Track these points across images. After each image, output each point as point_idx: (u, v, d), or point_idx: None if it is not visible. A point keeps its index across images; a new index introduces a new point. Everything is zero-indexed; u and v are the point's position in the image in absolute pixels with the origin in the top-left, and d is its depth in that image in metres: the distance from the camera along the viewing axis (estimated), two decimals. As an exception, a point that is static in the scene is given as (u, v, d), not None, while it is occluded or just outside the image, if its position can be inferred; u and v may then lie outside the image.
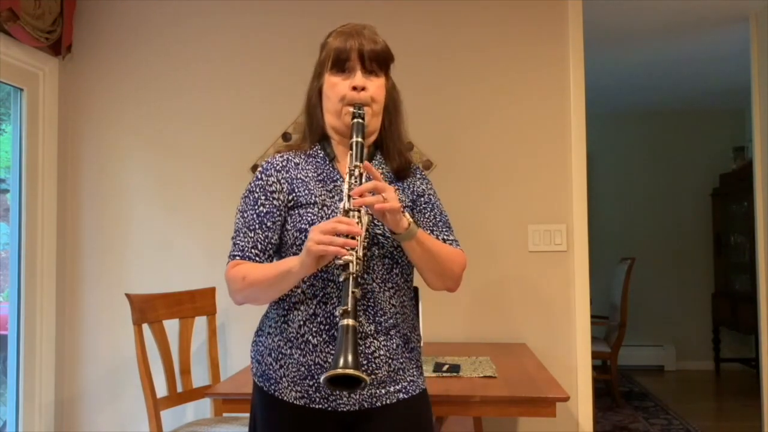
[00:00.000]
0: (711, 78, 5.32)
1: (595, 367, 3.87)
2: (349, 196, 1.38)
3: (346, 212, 1.37)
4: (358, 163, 1.43)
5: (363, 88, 1.51)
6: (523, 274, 3.06)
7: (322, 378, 1.24)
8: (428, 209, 1.61)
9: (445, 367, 2.32)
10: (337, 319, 1.29)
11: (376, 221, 1.46)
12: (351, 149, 1.46)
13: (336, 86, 1.52)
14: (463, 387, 2.09)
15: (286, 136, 3.16)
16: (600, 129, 5.97)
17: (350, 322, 1.28)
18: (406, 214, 1.42)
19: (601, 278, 5.28)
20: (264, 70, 3.19)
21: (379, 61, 1.54)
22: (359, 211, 1.37)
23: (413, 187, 1.61)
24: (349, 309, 1.29)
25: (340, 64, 1.52)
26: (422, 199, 1.61)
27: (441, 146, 3.07)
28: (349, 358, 1.22)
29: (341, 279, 1.33)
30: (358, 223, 1.35)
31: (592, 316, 3.13)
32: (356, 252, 1.32)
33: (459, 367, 2.33)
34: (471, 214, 3.07)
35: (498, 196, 3.09)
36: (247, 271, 1.45)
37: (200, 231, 3.19)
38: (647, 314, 6.38)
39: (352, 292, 1.30)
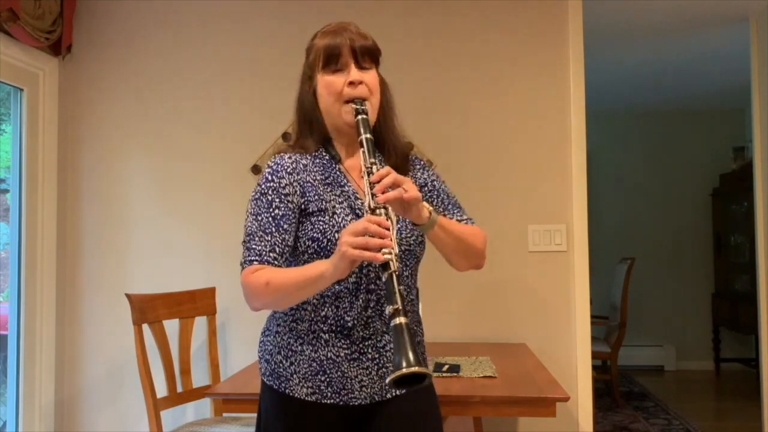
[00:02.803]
0: (711, 78, 5.31)
1: (595, 367, 3.88)
2: (372, 195, 1.35)
3: (372, 210, 1.34)
4: (373, 160, 1.41)
5: (360, 82, 1.48)
6: (523, 274, 3.06)
7: (387, 380, 1.20)
8: (435, 196, 1.61)
9: (445, 367, 2.32)
10: (388, 319, 1.27)
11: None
12: (361, 146, 1.44)
13: (332, 84, 1.49)
14: (463, 387, 2.09)
15: (286, 136, 3.16)
16: (600, 129, 5.97)
17: (402, 320, 1.25)
18: (425, 203, 1.42)
19: (601, 278, 5.28)
20: (264, 70, 3.19)
21: (371, 55, 1.52)
22: (386, 207, 1.35)
23: (415, 178, 1.61)
24: (400, 307, 1.26)
25: (333, 61, 1.49)
26: (426, 188, 1.61)
27: (441, 146, 3.07)
28: (411, 356, 1.19)
29: (383, 279, 1.30)
30: (387, 219, 1.32)
31: (592, 316, 3.13)
32: (393, 250, 1.29)
33: (459, 367, 2.32)
34: (471, 214, 3.05)
35: (498, 196, 3.09)
36: (270, 276, 1.40)
37: (200, 231, 3.18)
38: (647, 314, 6.38)
39: (399, 290, 1.27)
